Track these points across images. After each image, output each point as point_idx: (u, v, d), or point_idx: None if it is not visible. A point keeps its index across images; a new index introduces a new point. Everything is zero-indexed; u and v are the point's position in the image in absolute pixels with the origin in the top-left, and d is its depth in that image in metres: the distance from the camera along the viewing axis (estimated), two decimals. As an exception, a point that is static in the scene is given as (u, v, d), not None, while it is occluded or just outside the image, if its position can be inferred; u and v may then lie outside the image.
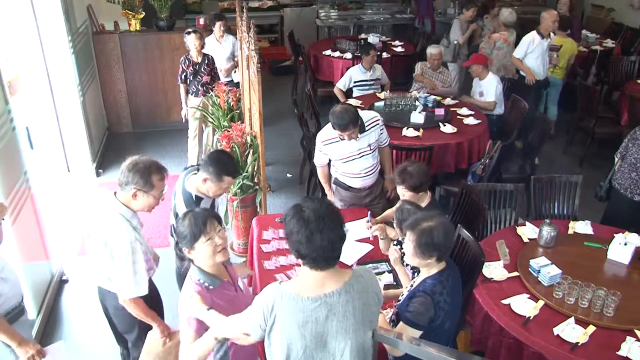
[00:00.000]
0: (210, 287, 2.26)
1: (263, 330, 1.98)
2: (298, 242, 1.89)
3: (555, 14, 5.82)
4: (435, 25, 8.89)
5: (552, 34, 5.88)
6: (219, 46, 6.15)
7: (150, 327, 2.78)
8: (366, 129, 3.67)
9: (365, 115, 3.74)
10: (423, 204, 3.15)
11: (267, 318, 1.95)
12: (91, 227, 2.63)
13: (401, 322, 2.32)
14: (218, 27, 6.10)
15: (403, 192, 3.18)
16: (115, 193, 2.62)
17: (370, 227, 3.22)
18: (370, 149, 3.72)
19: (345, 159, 3.71)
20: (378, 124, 3.76)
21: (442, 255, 2.34)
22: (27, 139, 3.99)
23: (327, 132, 3.70)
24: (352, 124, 3.47)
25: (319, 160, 3.86)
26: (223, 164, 2.92)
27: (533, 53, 5.81)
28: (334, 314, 1.93)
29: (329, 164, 3.91)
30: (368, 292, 2.01)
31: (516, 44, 6.12)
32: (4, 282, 2.53)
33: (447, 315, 2.32)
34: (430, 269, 2.39)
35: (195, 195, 2.98)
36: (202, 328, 2.21)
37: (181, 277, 3.01)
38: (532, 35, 5.80)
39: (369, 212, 3.35)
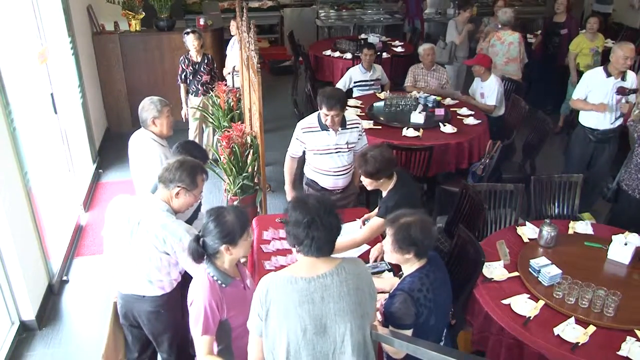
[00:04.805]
0: (223, 285, 2.27)
1: (261, 320, 2.00)
2: (304, 225, 1.96)
3: (630, 49, 4.30)
4: (424, 25, 8.86)
5: (629, 73, 4.44)
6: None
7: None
8: (347, 125, 3.66)
9: (349, 115, 3.75)
10: (385, 192, 3.15)
11: (263, 303, 1.98)
12: (132, 231, 2.57)
13: (391, 327, 2.32)
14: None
15: (362, 178, 3.16)
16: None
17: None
18: (347, 148, 3.69)
19: (320, 151, 3.67)
20: (359, 127, 3.74)
21: (420, 251, 2.34)
22: (52, 105, 4.71)
23: (308, 120, 3.70)
24: (340, 103, 3.49)
25: (293, 149, 3.78)
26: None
27: (594, 94, 4.51)
28: (330, 295, 1.98)
29: (298, 160, 3.86)
30: (361, 278, 2.07)
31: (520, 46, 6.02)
32: None
33: (431, 311, 2.31)
34: (410, 266, 2.40)
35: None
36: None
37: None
38: (595, 71, 4.58)
39: (362, 220, 3.44)
